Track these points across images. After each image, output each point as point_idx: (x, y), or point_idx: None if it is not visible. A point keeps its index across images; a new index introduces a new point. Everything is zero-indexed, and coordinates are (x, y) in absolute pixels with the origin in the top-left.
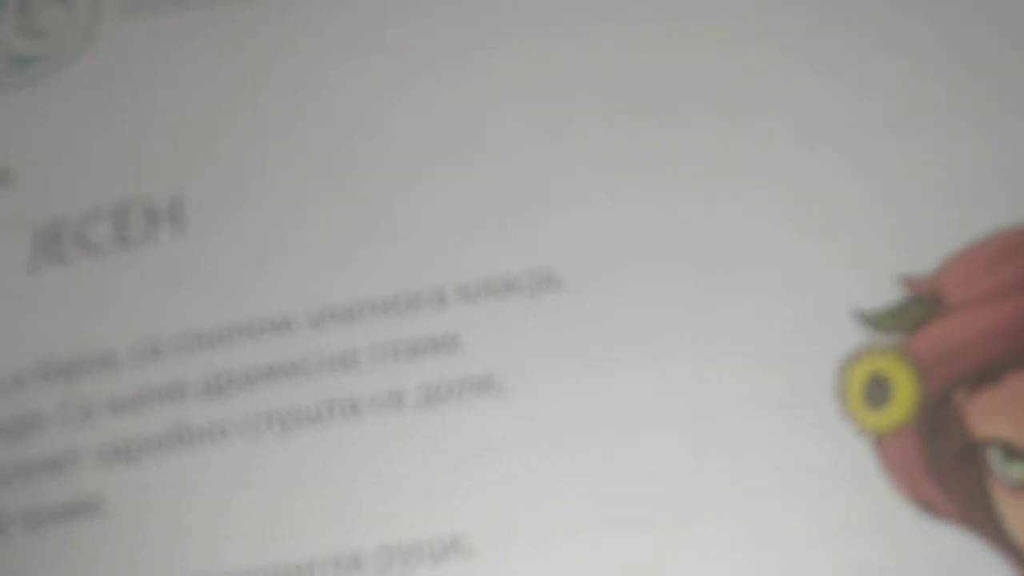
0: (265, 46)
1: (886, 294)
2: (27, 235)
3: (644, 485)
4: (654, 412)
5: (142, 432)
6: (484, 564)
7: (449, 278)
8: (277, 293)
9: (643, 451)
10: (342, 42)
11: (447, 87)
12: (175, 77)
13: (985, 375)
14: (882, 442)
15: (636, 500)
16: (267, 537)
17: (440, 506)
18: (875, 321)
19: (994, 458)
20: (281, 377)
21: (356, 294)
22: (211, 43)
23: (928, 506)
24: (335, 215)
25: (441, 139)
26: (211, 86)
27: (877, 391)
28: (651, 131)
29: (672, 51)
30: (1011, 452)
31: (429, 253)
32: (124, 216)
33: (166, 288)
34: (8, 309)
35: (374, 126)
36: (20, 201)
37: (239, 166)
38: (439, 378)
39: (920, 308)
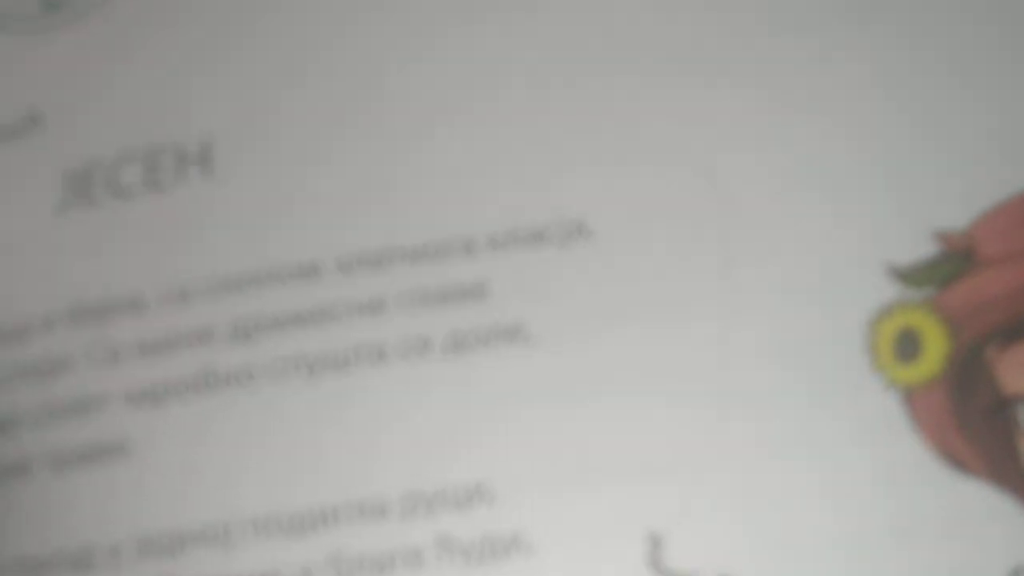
0: None
1: (919, 249)
2: (58, 178)
3: (669, 435)
4: (680, 364)
5: (169, 376)
6: (508, 511)
7: (478, 226)
8: (305, 238)
9: (668, 402)
10: None
11: (481, 30)
12: (206, 20)
13: (1016, 331)
14: (912, 396)
15: (661, 450)
16: (292, 481)
17: (465, 453)
18: (907, 276)
19: None
20: (308, 322)
21: (384, 240)
22: None
23: (956, 461)
24: (365, 161)
25: (473, 86)
26: (242, 30)
27: (908, 345)
28: (684, 87)
29: (709, 8)
30: None
31: (458, 201)
32: (154, 159)
33: (195, 232)
34: (38, 252)
35: (405, 71)
36: (50, 144)
37: (269, 111)
38: (467, 326)
39: (952, 263)
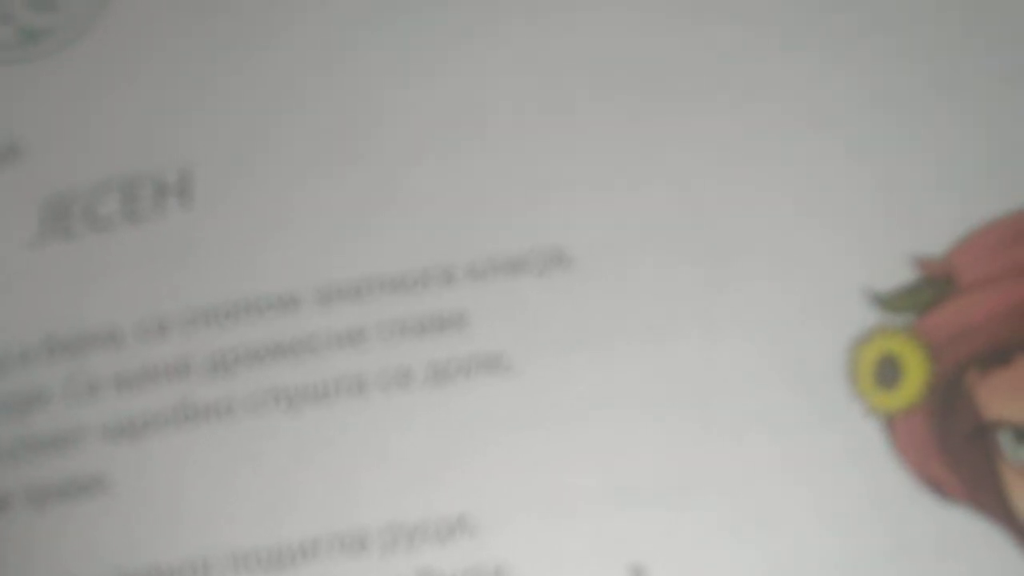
0: (275, 20)
1: (898, 275)
2: (34, 210)
3: (651, 464)
4: (662, 391)
5: (147, 409)
6: (490, 542)
7: (458, 255)
8: (284, 270)
9: (650, 430)
10: (352, 15)
11: (458, 62)
12: (185, 51)
13: (996, 357)
14: (893, 423)
15: (643, 479)
16: (272, 515)
17: (446, 484)
18: (887, 302)
19: (1004, 440)
20: (288, 354)
21: (363, 271)
22: (221, 17)
23: (937, 487)
24: (343, 192)
25: (451, 115)
26: (221, 61)
27: (888, 372)
28: (662, 111)
29: (684, 31)
30: (1021, 434)
31: (438, 230)
32: (133, 190)
33: (173, 264)
34: (14, 284)
35: (384, 102)
36: (28, 175)
37: (248, 142)
38: (447, 356)
39: (932, 289)
